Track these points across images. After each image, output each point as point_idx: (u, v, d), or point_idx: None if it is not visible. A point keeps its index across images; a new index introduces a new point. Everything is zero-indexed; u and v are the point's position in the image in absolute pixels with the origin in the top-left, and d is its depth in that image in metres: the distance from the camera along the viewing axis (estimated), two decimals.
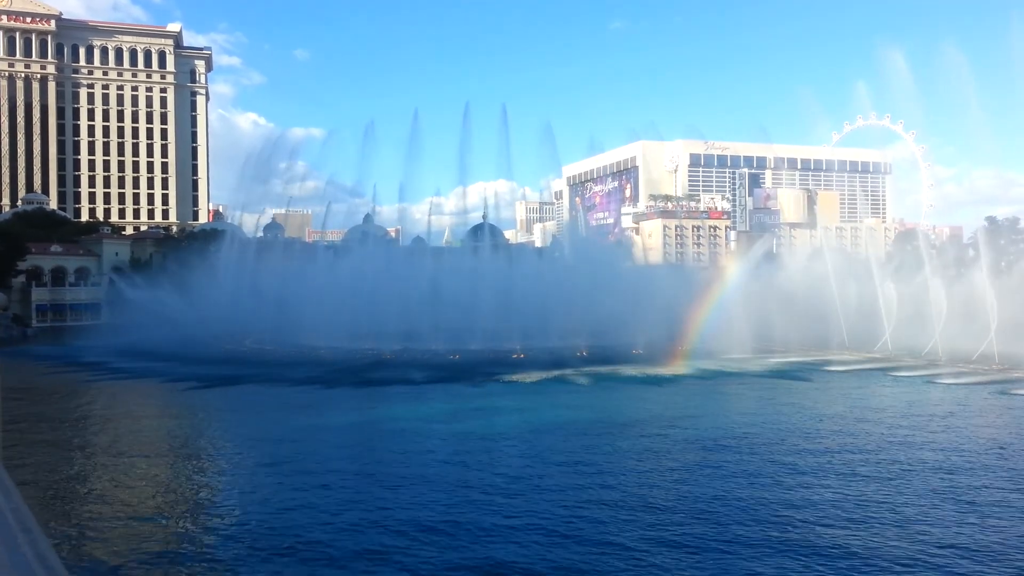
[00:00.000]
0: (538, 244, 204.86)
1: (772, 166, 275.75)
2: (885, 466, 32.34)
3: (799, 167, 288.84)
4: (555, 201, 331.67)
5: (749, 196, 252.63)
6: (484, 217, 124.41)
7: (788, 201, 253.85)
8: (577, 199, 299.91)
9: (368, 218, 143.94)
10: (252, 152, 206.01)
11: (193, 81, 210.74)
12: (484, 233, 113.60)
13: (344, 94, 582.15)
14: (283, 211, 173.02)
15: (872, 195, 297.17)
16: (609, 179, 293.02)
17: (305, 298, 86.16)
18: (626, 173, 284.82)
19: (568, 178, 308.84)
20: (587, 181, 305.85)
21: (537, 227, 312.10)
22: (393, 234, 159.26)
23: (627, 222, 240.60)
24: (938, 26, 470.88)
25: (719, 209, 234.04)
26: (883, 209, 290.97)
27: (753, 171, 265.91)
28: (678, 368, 65.15)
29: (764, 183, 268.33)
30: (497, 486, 29.30)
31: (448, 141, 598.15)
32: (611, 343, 75.48)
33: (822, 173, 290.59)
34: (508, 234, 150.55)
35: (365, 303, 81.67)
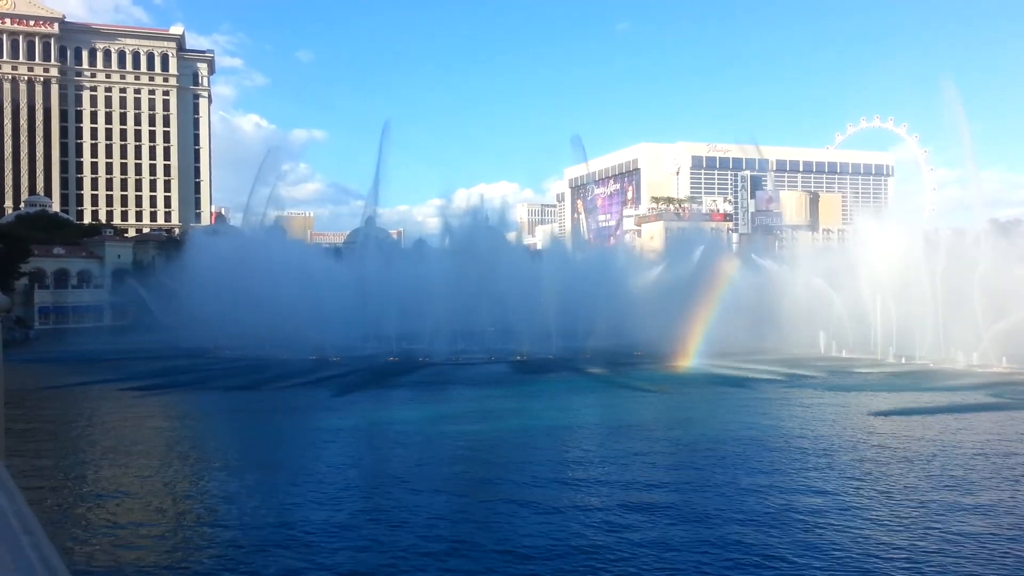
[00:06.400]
0: (539, 246, 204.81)
1: (774, 168, 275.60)
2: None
3: (801, 169, 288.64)
4: (557, 203, 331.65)
5: (751, 198, 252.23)
6: (486, 219, 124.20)
7: (790, 203, 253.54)
8: (579, 201, 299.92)
9: (371, 220, 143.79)
10: (259, 156, 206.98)
11: (195, 84, 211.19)
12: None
13: (347, 95, 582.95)
14: (284, 213, 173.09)
15: (875, 198, 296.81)
16: (611, 181, 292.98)
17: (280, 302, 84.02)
18: (628, 175, 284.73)
19: (570, 180, 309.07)
20: (589, 183, 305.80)
21: (539, 229, 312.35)
22: (396, 236, 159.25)
23: (629, 224, 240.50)
24: (943, 28, 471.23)
25: (721, 211, 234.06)
26: (885, 210, 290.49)
27: (755, 173, 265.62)
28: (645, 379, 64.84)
29: (766, 185, 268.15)
30: None
31: (453, 143, 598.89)
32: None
33: (824, 175, 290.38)
34: (510, 236, 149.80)
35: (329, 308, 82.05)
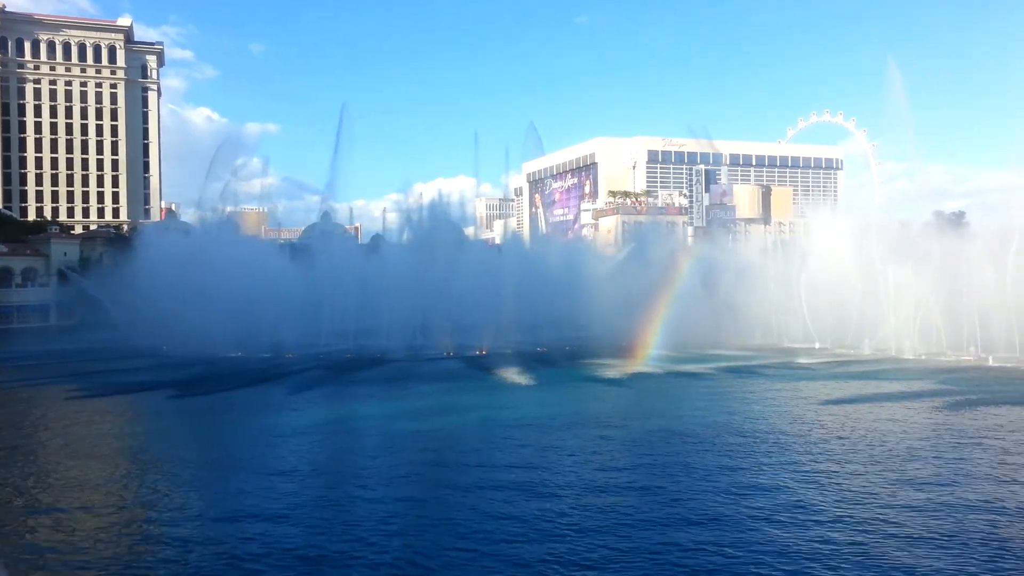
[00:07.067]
0: (497, 241, 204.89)
1: (727, 162, 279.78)
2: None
3: (754, 163, 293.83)
4: (515, 198, 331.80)
5: (706, 192, 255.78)
6: (444, 214, 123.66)
7: (743, 197, 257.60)
8: (536, 196, 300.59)
9: (327, 215, 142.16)
10: (211, 150, 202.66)
11: (144, 76, 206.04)
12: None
13: (301, 88, 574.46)
14: (238, 208, 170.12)
15: (824, 191, 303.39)
16: (569, 176, 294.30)
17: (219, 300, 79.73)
18: (585, 170, 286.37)
19: (528, 175, 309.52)
20: (547, 178, 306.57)
21: (497, 223, 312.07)
22: (352, 231, 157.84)
23: (586, 218, 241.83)
24: (896, 24, 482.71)
25: (676, 205, 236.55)
26: (835, 204, 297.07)
27: (710, 167, 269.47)
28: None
29: (720, 179, 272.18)
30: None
31: (409, 137, 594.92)
32: None
33: (776, 169, 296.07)
34: (468, 231, 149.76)
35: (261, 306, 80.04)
